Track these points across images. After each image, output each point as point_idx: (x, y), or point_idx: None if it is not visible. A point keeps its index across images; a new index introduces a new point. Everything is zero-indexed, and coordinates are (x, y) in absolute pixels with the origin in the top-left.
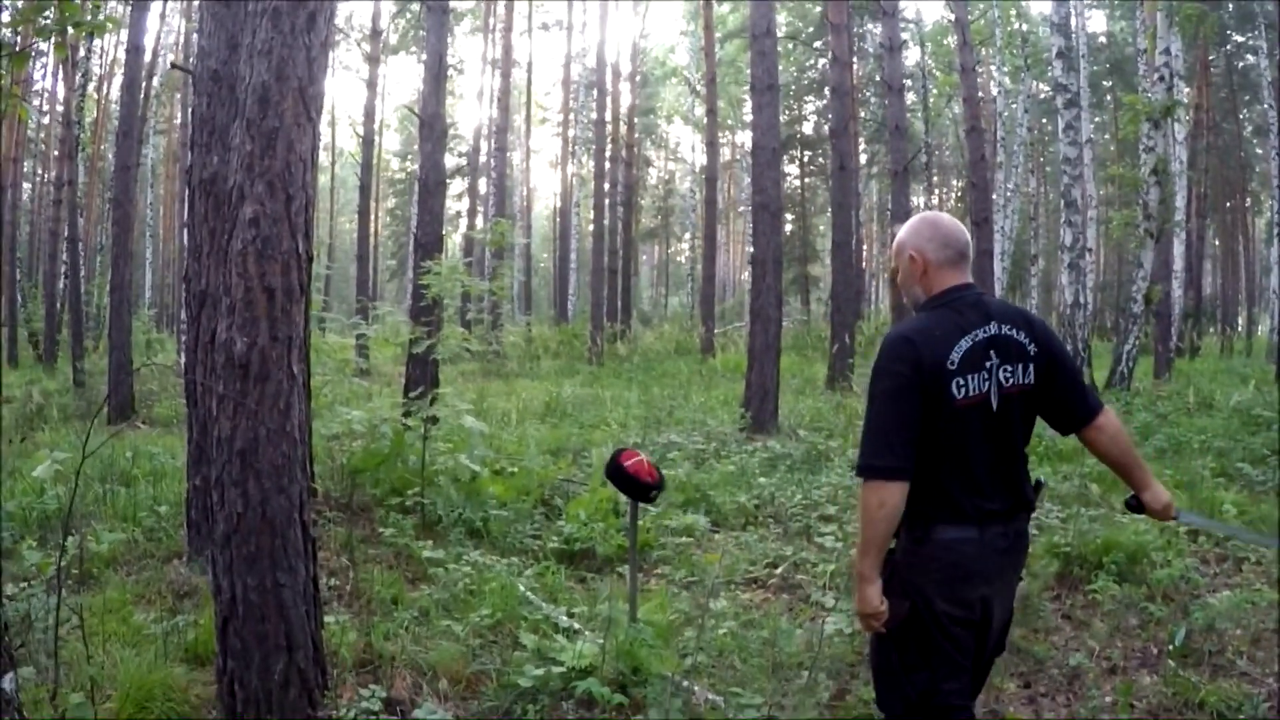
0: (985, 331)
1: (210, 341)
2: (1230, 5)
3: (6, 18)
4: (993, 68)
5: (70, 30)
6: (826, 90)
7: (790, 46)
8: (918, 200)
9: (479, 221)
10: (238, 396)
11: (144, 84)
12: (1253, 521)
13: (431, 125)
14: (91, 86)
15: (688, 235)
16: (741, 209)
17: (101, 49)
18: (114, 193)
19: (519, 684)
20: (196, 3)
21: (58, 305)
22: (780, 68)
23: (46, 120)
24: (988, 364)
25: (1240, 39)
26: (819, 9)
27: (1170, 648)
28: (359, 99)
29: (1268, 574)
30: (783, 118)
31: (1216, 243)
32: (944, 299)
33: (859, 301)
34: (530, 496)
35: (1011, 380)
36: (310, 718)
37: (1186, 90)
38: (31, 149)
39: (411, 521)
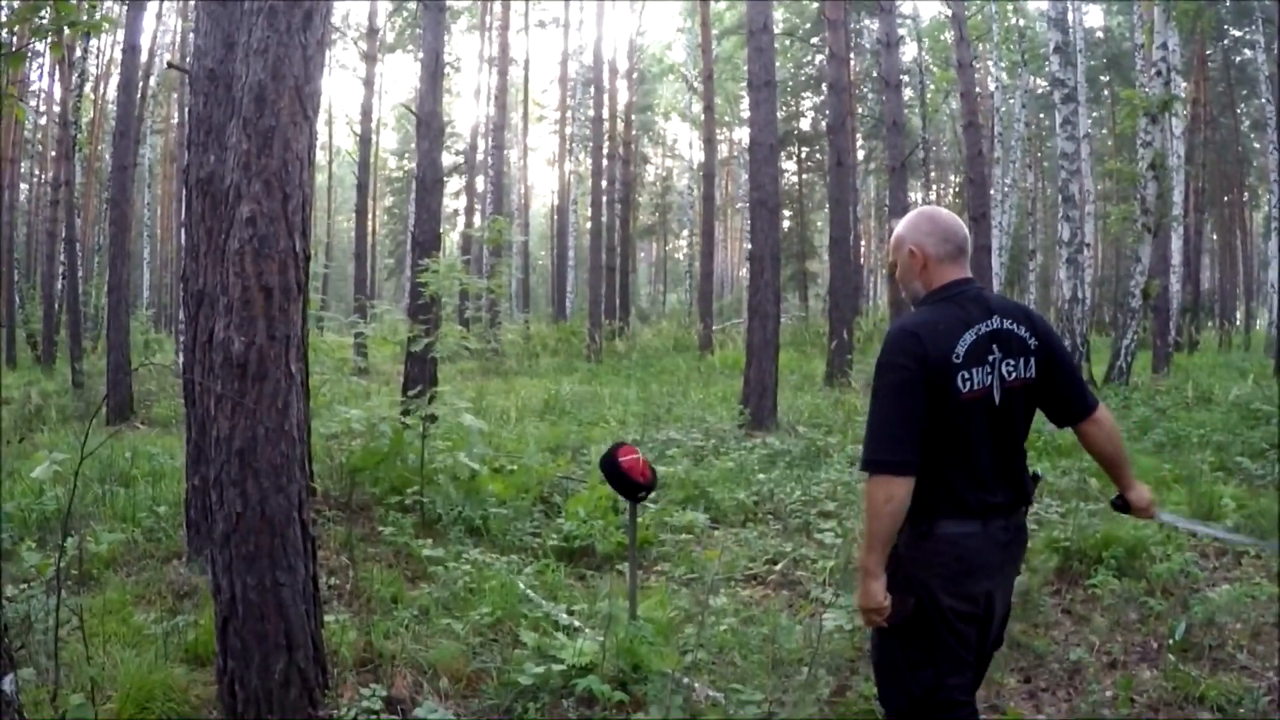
0: (988, 325)
1: (208, 341)
2: (1227, 0)
3: (2, 18)
4: (990, 63)
5: (66, 30)
6: (824, 86)
7: (787, 43)
8: (915, 196)
9: (476, 219)
10: (236, 396)
11: (140, 84)
12: (1252, 515)
13: (429, 123)
14: (88, 86)
15: (685, 232)
16: (739, 205)
17: (98, 49)
18: (111, 193)
19: (519, 682)
20: (193, 2)
21: (55, 306)
22: (777, 64)
23: (43, 121)
24: (990, 358)
25: (1237, 34)
26: (816, 5)
27: (1170, 642)
28: (356, 97)
29: (1267, 568)
30: (780, 114)
31: (1214, 237)
32: (946, 293)
33: (857, 297)
34: (529, 494)
35: (1014, 374)
36: (311, 717)
37: (1184, 85)
38: (28, 149)
39: (411, 520)
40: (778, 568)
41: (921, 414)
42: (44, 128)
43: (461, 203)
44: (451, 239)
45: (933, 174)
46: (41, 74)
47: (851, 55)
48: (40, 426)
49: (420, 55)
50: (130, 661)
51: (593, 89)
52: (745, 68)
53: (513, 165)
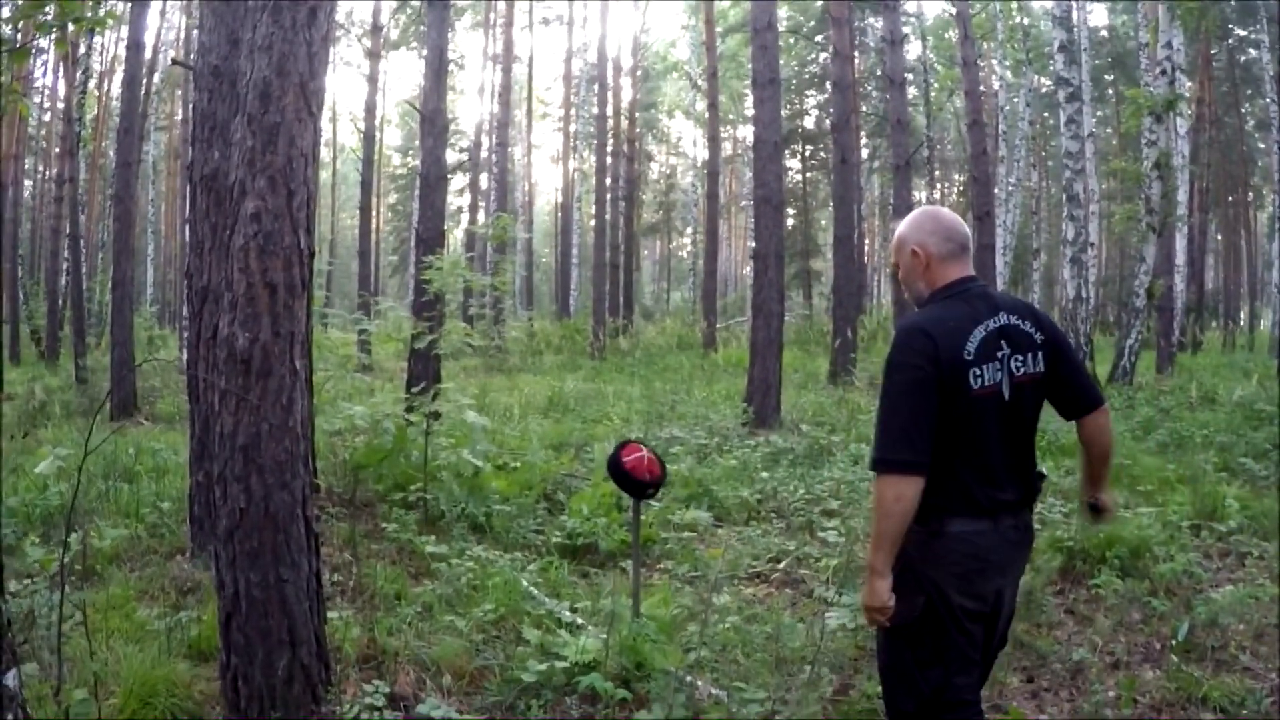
0: (995, 322)
1: (212, 337)
2: None
3: (7, 14)
4: (994, 62)
5: (71, 26)
6: (828, 84)
7: (791, 41)
8: (919, 194)
9: (480, 217)
10: (240, 392)
11: (145, 80)
12: (1255, 516)
13: (433, 120)
14: (92, 83)
15: (689, 230)
16: (743, 204)
17: (102, 45)
18: (115, 189)
19: (522, 679)
20: None
21: (60, 302)
22: (781, 62)
23: (47, 117)
24: (1000, 354)
25: (1242, 33)
26: (820, 3)
27: (1173, 642)
28: (360, 94)
29: (1270, 569)
30: (784, 112)
31: (1219, 237)
32: (952, 290)
33: (861, 296)
34: (533, 491)
35: (1023, 370)
36: (314, 713)
37: (1188, 84)
38: (32, 146)
39: (414, 517)
40: (781, 566)
41: (933, 413)
42: (48, 124)
43: (465, 200)
44: (455, 236)
45: (937, 173)
46: (46, 70)
47: (856, 53)
48: (44, 422)
49: (424, 52)
50: (133, 657)
51: (597, 86)
52: (749, 65)
53: (517, 162)
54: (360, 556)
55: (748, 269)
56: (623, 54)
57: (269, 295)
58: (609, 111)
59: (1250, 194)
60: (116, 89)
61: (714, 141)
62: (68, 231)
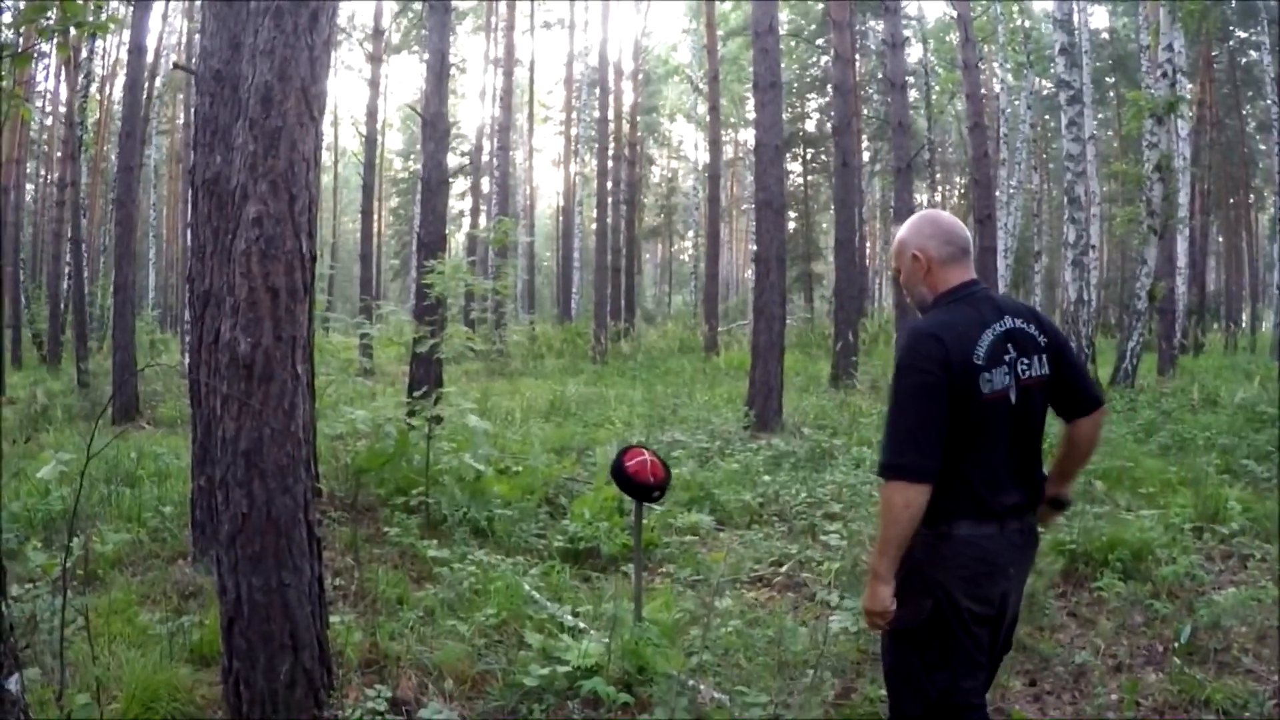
0: (1001, 325)
1: (214, 342)
2: (1233, 1)
3: (8, 19)
4: (995, 64)
5: (72, 31)
6: (829, 87)
7: (793, 44)
8: (921, 197)
9: (482, 220)
10: (242, 397)
11: (146, 84)
12: (1257, 519)
13: (434, 124)
14: (94, 87)
15: (691, 233)
16: (745, 207)
17: (104, 50)
18: (117, 193)
19: (524, 683)
20: (199, 3)
21: (61, 306)
22: (783, 65)
23: (49, 121)
24: (1007, 357)
25: (1243, 35)
26: (821, 6)
27: (1176, 645)
28: (361, 98)
29: (1272, 571)
30: (785, 115)
31: (1220, 239)
32: (958, 294)
33: (862, 299)
34: (535, 495)
35: (1029, 373)
36: (316, 718)
37: (1189, 86)
38: (34, 150)
39: (416, 521)
40: (783, 570)
41: (943, 418)
42: (50, 128)
43: (467, 204)
44: (457, 240)
45: (938, 175)
46: (48, 75)
47: (857, 56)
48: (46, 427)
49: (425, 56)
50: (136, 661)
51: (598, 90)
52: (750, 69)
53: (518, 166)
54: (362, 561)
55: (749, 272)
56: (624, 58)
57: (271, 300)
58: (610, 115)
59: (1251, 196)
60: (118, 93)
61: (715, 145)
62: (69, 235)
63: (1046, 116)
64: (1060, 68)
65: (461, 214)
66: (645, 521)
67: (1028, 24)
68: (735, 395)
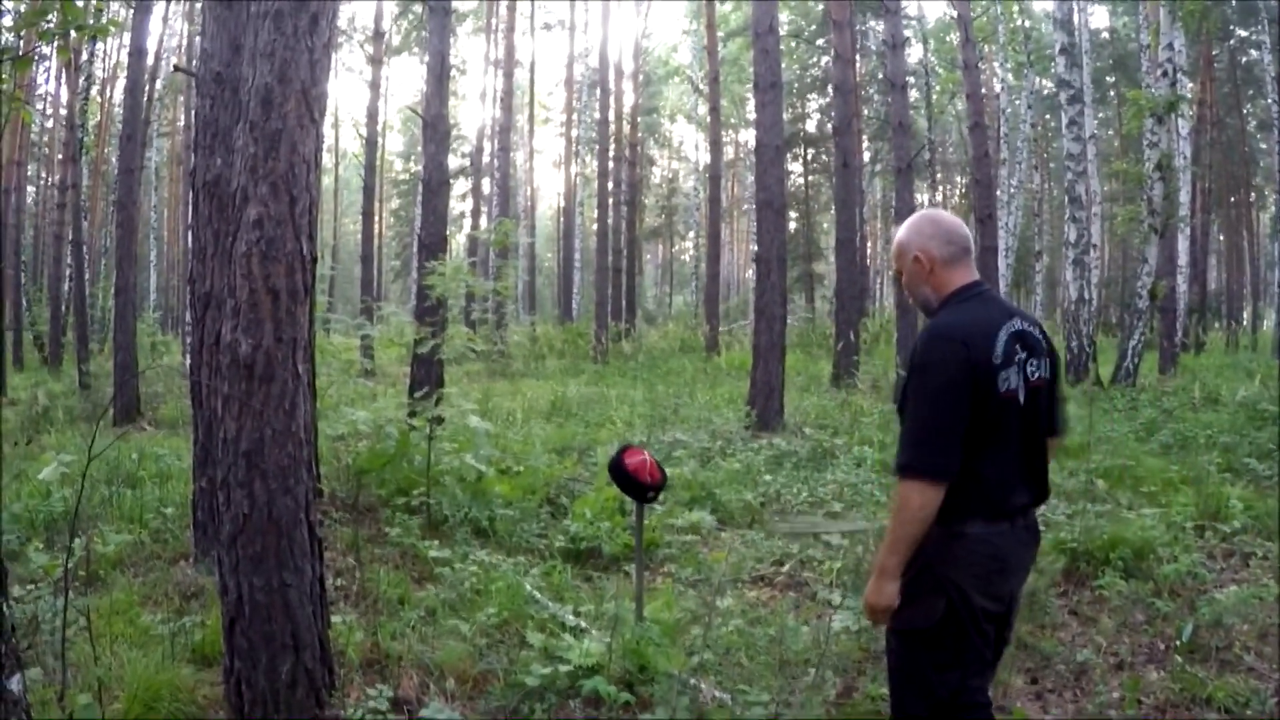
0: (1012, 326)
1: (215, 343)
2: (1233, 0)
3: (9, 22)
4: (996, 64)
5: (73, 33)
6: (829, 88)
7: (793, 44)
8: (921, 197)
9: (483, 222)
10: (243, 398)
11: (147, 87)
12: (1259, 517)
13: (435, 126)
14: (94, 90)
15: (692, 234)
16: (745, 207)
17: (104, 52)
18: (118, 195)
19: (526, 683)
20: (199, 5)
21: (62, 308)
22: (783, 66)
23: (50, 124)
24: (1017, 358)
25: (1244, 34)
26: (821, 7)
27: (1177, 643)
28: (362, 100)
29: (1274, 569)
30: (786, 115)
31: (1221, 238)
32: (968, 294)
33: (863, 299)
34: (536, 496)
35: (1036, 374)
36: (317, 717)
37: (1190, 85)
38: (35, 152)
39: (417, 521)
40: (784, 569)
41: (964, 418)
42: (50, 131)
43: (468, 205)
44: (458, 241)
45: (939, 175)
46: (48, 77)
47: (857, 57)
48: (47, 428)
49: (426, 58)
50: (137, 662)
51: (598, 91)
52: (751, 69)
53: (519, 167)
54: (363, 561)
55: (750, 273)
56: (624, 59)
57: (271, 301)
58: (611, 116)
59: (1252, 194)
60: (119, 95)
61: (716, 145)
62: (70, 237)
63: (1047, 116)
64: (1060, 67)
65: (462, 215)
66: (647, 521)
67: (1028, 24)
68: (736, 395)
